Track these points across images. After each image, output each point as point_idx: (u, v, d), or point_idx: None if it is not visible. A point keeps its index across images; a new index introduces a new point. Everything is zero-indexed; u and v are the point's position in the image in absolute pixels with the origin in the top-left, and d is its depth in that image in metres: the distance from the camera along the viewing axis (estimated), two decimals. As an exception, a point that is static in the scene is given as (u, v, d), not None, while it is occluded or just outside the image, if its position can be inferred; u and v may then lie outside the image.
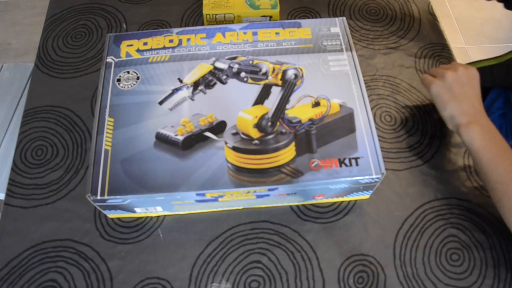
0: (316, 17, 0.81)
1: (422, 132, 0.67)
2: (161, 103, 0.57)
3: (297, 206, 0.60)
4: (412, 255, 0.57)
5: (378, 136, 0.67)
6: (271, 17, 0.74)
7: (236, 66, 0.59)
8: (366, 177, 0.52)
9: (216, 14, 0.72)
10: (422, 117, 0.69)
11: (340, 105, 0.56)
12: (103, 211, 0.55)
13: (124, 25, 0.80)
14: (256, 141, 0.54)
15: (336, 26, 0.64)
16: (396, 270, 0.56)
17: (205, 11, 0.73)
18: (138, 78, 0.59)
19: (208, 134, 0.54)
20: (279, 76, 0.59)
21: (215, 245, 0.58)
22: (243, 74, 0.58)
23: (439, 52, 0.76)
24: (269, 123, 0.55)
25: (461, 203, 0.61)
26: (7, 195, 0.62)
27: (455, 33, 1.74)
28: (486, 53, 1.69)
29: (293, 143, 0.54)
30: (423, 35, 0.79)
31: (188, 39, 0.63)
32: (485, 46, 1.70)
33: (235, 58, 0.60)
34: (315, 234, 0.58)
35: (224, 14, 0.72)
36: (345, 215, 0.60)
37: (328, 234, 0.59)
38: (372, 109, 0.69)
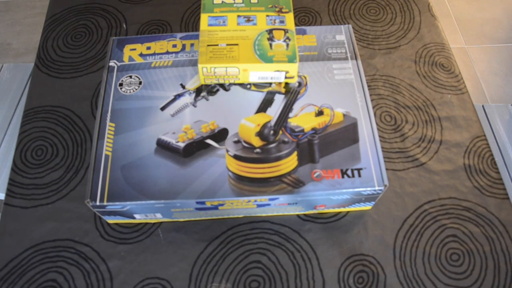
0: (316, 17, 0.81)
1: (422, 132, 0.67)
2: (163, 109, 0.57)
3: (297, 206, 0.61)
4: (412, 255, 0.57)
5: (378, 136, 0.67)
6: (287, 72, 0.57)
7: None
8: (369, 189, 0.52)
9: (215, 67, 0.55)
10: (422, 117, 0.69)
11: (344, 115, 0.56)
12: (102, 217, 0.55)
13: (124, 25, 0.80)
14: (258, 150, 0.53)
15: (342, 34, 0.63)
16: (396, 270, 0.56)
17: (201, 62, 0.55)
18: (140, 83, 0.59)
19: (209, 141, 0.54)
20: (283, 83, 0.58)
21: (215, 245, 0.58)
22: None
23: (439, 52, 0.76)
24: (272, 132, 0.54)
25: (461, 203, 0.61)
26: (7, 195, 0.62)
27: (455, 33, 1.74)
28: (486, 53, 1.69)
29: (295, 153, 0.53)
30: (423, 35, 0.79)
31: (192, 44, 0.63)
32: (485, 46, 1.70)
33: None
34: (315, 234, 0.58)
35: (226, 67, 0.55)
36: (345, 215, 0.60)
37: (328, 234, 0.59)
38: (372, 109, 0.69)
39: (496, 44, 1.71)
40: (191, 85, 0.59)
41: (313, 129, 0.55)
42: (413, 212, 0.60)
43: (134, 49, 0.62)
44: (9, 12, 1.81)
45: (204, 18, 0.59)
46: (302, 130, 0.55)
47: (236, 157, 0.53)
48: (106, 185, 0.51)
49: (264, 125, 0.55)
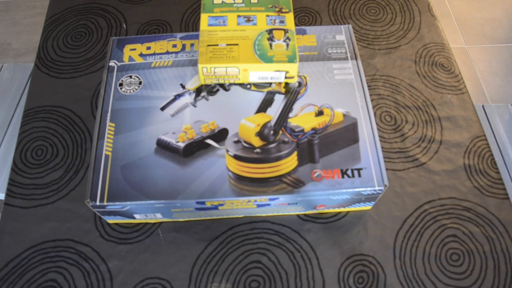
0: (316, 17, 0.81)
1: (422, 132, 0.67)
2: (163, 109, 0.57)
3: (297, 206, 0.61)
4: (412, 255, 0.57)
5: (378, 136, 0.67)
6: (287, 72, 0.57)
7: None
8: (369, 189, 0.52)
9: (215, 67, 0.55)
10: (422, 117, 0.69)
11: (344, 115, 0.56)
12: (102, 217, 0.55)
13: (124, 25, 0.80)
14: (258, 150, 0.53)
15: (342, 34, 0.64)
16: (396, 270, 0.56)
17: (201, 62, 0.55)
18: (140, 83, 0.59)
19: (209, 141, 0.54)
20: (283, 83, 0.58)
21: (215, 245, 0.58)
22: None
23: (439, 52, 0.76)
24: (272, 132, 0.54)
25: (461, 203, 0.61)
26: (7, 195, 0.62)
27: (455, 33, 1.74)
28: (486, 53, 1.69)
29: (295, 153, 0.53)
30: (423, 35, 0.79)
31: (192, 44, 0.63)
32: (485, 46, 1.70)
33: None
34: (315, 234, 0.58)
35: (226, 67, 0.55)
36: (345, 215, 0.60)
37: (328, 234, 0.59)
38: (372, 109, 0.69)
39: (496, 44, 1.71)
40: (191, 85, 0.59)
41: (313, 129, 0.55)
42: (413, 212, 0.60)
43: (134, 49, 0.62)
44: (9, 12, 1.81)
45: (204, 18, 0.59)
46: (302, 130, 0.55)
47: (236, 157, 0.53)
48: (106, 185, 0.51)
49: (264, 125, 0.55)
